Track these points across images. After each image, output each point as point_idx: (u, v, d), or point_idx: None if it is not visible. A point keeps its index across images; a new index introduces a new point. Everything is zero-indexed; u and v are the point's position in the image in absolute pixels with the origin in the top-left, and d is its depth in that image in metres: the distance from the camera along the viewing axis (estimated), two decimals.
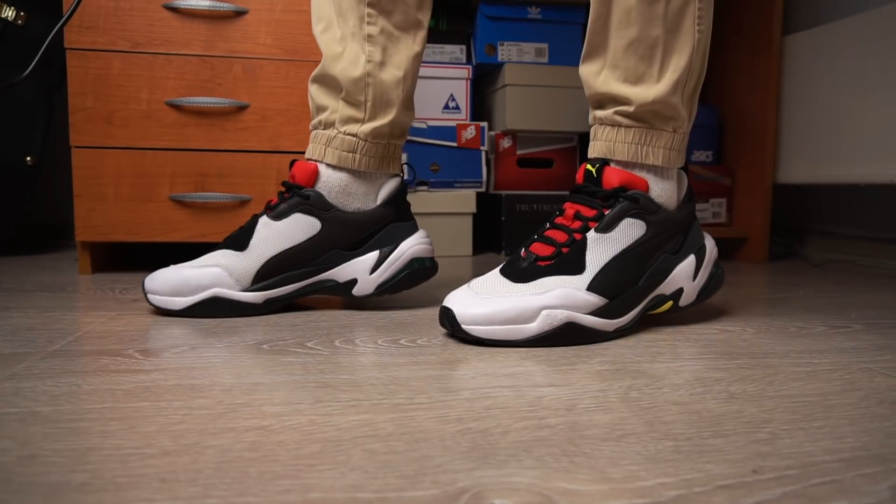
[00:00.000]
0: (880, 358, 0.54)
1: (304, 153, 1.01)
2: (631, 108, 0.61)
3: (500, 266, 0.61)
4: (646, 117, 0.62)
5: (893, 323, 0.69)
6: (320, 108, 0.72)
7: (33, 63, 0.95)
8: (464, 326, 0.56)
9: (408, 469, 0.32)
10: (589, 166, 0.63)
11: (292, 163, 0.71)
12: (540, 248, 0.60)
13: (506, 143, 1.36)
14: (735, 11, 1.33)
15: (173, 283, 0.66)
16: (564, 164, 1.40)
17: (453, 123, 1.31)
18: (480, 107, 1.51)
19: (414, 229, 0.73)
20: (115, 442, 0.34)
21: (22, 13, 1.15)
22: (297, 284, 0.69)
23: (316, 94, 0.72)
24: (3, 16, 1.13)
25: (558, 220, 0.62)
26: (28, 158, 1.21)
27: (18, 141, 1.19)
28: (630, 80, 0.61)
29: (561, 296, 0.57)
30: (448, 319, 0.57)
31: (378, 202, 0.72)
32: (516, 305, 0.55)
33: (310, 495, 0.29)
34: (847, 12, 1.21)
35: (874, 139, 1.08)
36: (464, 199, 1.30)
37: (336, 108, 0.70)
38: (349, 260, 0.70)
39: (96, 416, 0.38)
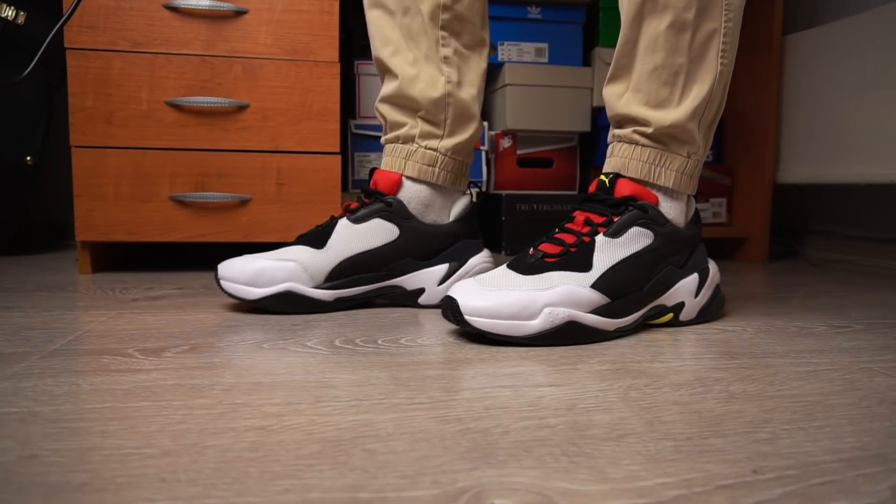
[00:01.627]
0: (880, 358, 0.54)
1: (302, 153, 1.01)
2: (649, 130, 0.63)
3: (508, 262, 0.62)
4: (662, 139, 0.63)
5: (893, 323, 0.69)
6: (396, 125, 0.76)
7: (33, 63, 0.94)
8: (467, 317, 0.56)
9: (408, 469, 0.32)
10: (603, 177, 0.65)
11: (372, 171, 0.75)
12: (548, 247, 0.61)
13: (506, 143, 1.36)
14: None
15: (250, 272, 0.67)
16: (564, 164, 1.40)
17: None
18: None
19: (480, 248, 0.77)
20: (116, 442, 0.34)
21: (22, 13, 1.15)
22: (367, 287, 0.72)
23: (389, 112, 0.76)
24: (3, 15, 1.13)
25: (568, 225, 0.64)
26: (28, 158, 1.21)
27: (18, 141, 1.19)
28: (651, 104, 0.63)
29: (564, 293, 0.57)
30: (451, 310, 0.57)
31: (451, 217, 0.76)
32: (520, 300, 0.56)
33: (310, 495, 0.29)
34: (847, 12, 1.21)
35: (874, 139, 1.08)
36: None
37: (414, 124, 0.75)
38: (420, 269, 0.74)
39: (96, 415, 0.38)
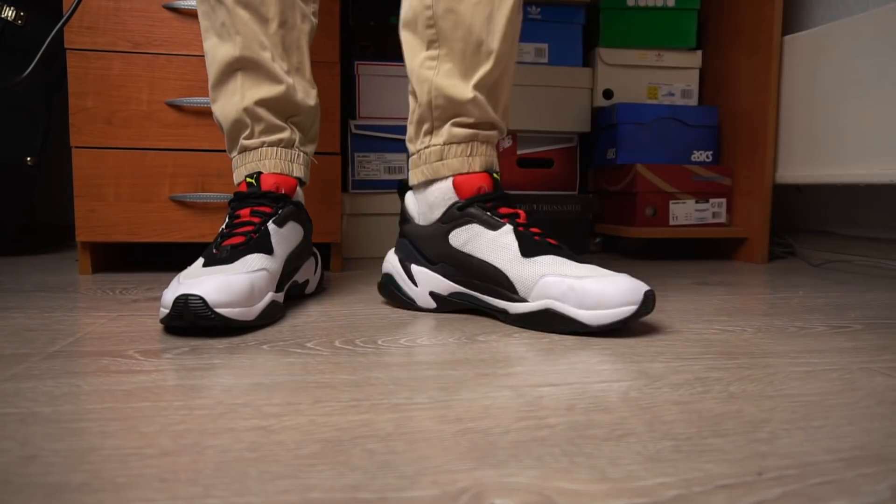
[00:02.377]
0: (880, 358, 0.55)
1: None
2: (497, 132, 0.73)
3: (570, 259, 0.65)
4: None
5: (893, 323, 0.69)
6: (274, 129, 0.77)
7: (33, 63, 0.95)
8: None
9: (408, 469, 0.32)
10: (495, 175, 0.72)
11: (257, 175, 0.75)
12: (551, 240, 0.67)
13: (506, 143, 1.36)
14: (735, 11, 1.33)
15: (243, 291, 0.59)
16: (564, 165, 1.40)
17: None
18: None
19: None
20: (115, 442, 0.34)
21: (22, 13, 1.15)
22: (285, 286, 0.73)
23: (265, 115, 0.76)
24: (3, 16, 1.13)
25: (533, 223, 0.70)
26: (28, 158, 1.21)
27: (18, 141, 1.19)
28: (498, 109, 0.72)
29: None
30: (653, 302, 0.60)
31: None
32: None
33: (310, 495, 0.29)
34: (847, 12, 1.21)
35: (874, 139, 1.08)
36: None
37: (292, 131, 0.78)
38: (304, 263, 0.78)
39: (96, 416, 0.38)
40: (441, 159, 0.70)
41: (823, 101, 1.18)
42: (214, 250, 0.65)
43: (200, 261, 0.64)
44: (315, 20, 0.79)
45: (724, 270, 1.13)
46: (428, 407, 0.41)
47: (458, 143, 0.70)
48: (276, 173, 0.74)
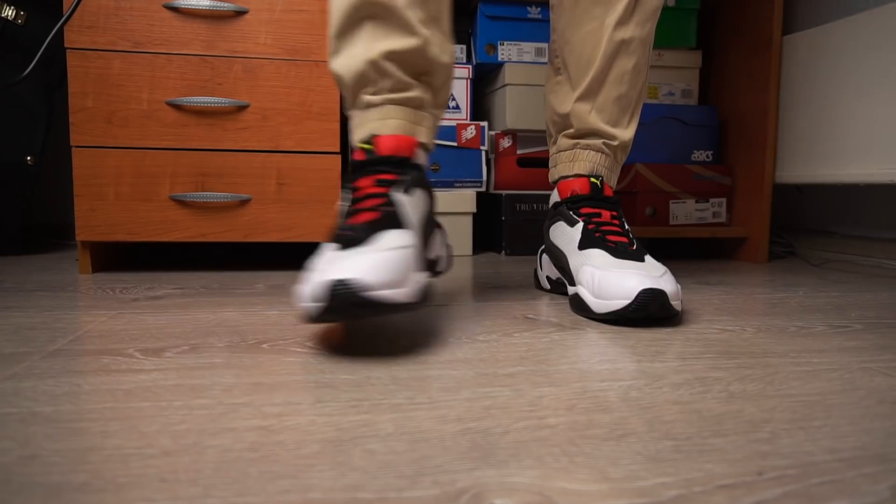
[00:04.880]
0: (880, 357, 0.55)
1: (302, 152, 1.01)
2: (615, 143, 0.80)
3: (614, 256, 0.69)
4: (617, 152, 0.81)
5: (893, 323, 0.69)
6: (403, 86, 0.68)
7: (33, 63, 0.95)
8: (673, 303, 0.64)
9: (408, 469, 0.32)
10: (594, 180, 0.79)
11: (372, 136, 0.66)
12: (622, 239, 0.73)
13: (506, 142, 1.36)
14: (735, 11, 1.33)
15: (396, 271, 0.52)
16: None
17: (453, 123, 1.31)
18: (480, 106, 1.51)
19: None
20: (116, 442, 0.34)
21: (22, 13, 1.15)
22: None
23: (393, 70, 0.67)
24: (3, 15, 1.13)
25: (615, 224, 0.76)
26: (28, 158, 1.21)
27: (18, 140, 1.19)
28: (611, 124, 0.79)
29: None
30: (659, 303, 0.63)
31: None
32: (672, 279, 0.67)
33: (310, 495, 0.29)
34: (847, 12, 1.21)
35: (874, 139, 1.08)
36: (464, 199, 1.30)
37: (423, 90, 0.70)
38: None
39: (97, 416, 0.38)
40: (555, 165, 0.84)
41: (823, 101, 1.18)
42: (344, 231, 0.56)
43: (331, 246, 0.55)
44: None
45: (725, 270, 1.13)
46: (428, 407, 0.41)
47: (564, 150, 0.82)
48: (398, 134, 0.66)
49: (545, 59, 1.35)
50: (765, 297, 0.85)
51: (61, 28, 0.91)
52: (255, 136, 0.99)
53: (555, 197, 0.83)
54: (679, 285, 0.67)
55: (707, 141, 1.36)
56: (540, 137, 1.37)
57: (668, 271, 0.67)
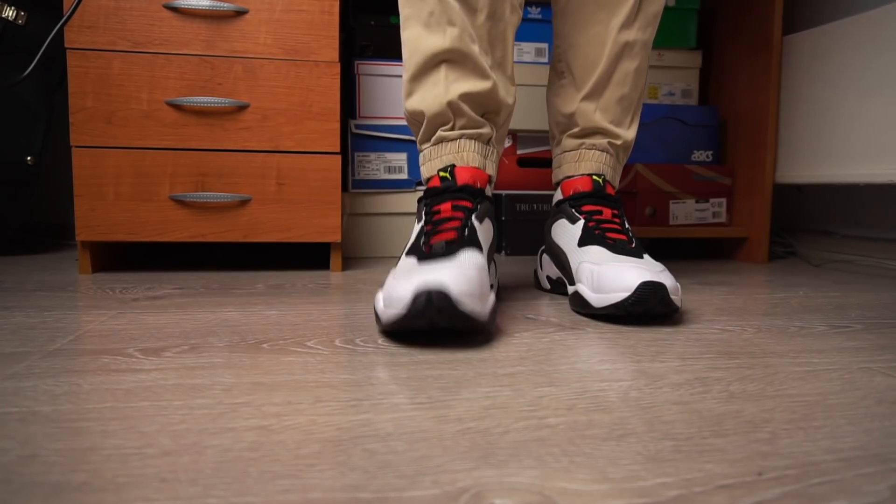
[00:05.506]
0: (880, 358, 0.55)
1: (302, 153, 1.01)
2: (619, 142, 0.81)
3: (612, 252, 0.70)
4: (620, 151, 0.83)
5: (893, 323, 0.69)
6: (475, 123, 0.75)
7: (33, 63, 0.95)
8: (672, 297, 0.64)
9: (408, 469, 0.32)
10: (596, 177, 0.80)
11: (452, 167, 0.72)
12: (621, 237, 0.73)
13: (506, 143, 1.36)
14: (735, 11, 1.33)
15: (477, 286, 0.55)
16: None
17: None
18: None
19: None
20: (116, 442, 0.34)
21: (22, 13, 1.15)
22: None
23: (467, 110, 0.73)
24: (3, 16, 1.13)
25: (616, 223, 0.76)
26: (28, 158, 1.21)
27: (19, 140, 1.19)
28: (614, 123, 0.81)
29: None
30: (659, 297, 0.62)
31: None
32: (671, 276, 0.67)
33: (310, 495, 0.29)
34: (847, 12, 1.21)
35: (874, 139, 1.08)
36: None
37: (490, 128, 0.77)
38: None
39: (96, 415, 0.38)
40: (559, 166, 0.85)
41: (824, 101, 1.18)
42: (424, 248, 0.61)
43: (411, 259, 0.59)
44: (521, 12, 0.76)
45: (725, 270, 1.13)
46: (428, 407, 0.41)
47: (569, 151, 0.83)
48: (473, 167, 0.72)
49: (545, 60, 1.35)
50: (765, 298, 0.84)
51: (61, 28, 0.91)
52: (255, 136, 0.99)
53: (558, 196, 0.83)
54: (678, 283, 0.67)
55: (707, 141, 1.36)
56: (540, 137, 1.37)
57: (667, 269, 0.68)
